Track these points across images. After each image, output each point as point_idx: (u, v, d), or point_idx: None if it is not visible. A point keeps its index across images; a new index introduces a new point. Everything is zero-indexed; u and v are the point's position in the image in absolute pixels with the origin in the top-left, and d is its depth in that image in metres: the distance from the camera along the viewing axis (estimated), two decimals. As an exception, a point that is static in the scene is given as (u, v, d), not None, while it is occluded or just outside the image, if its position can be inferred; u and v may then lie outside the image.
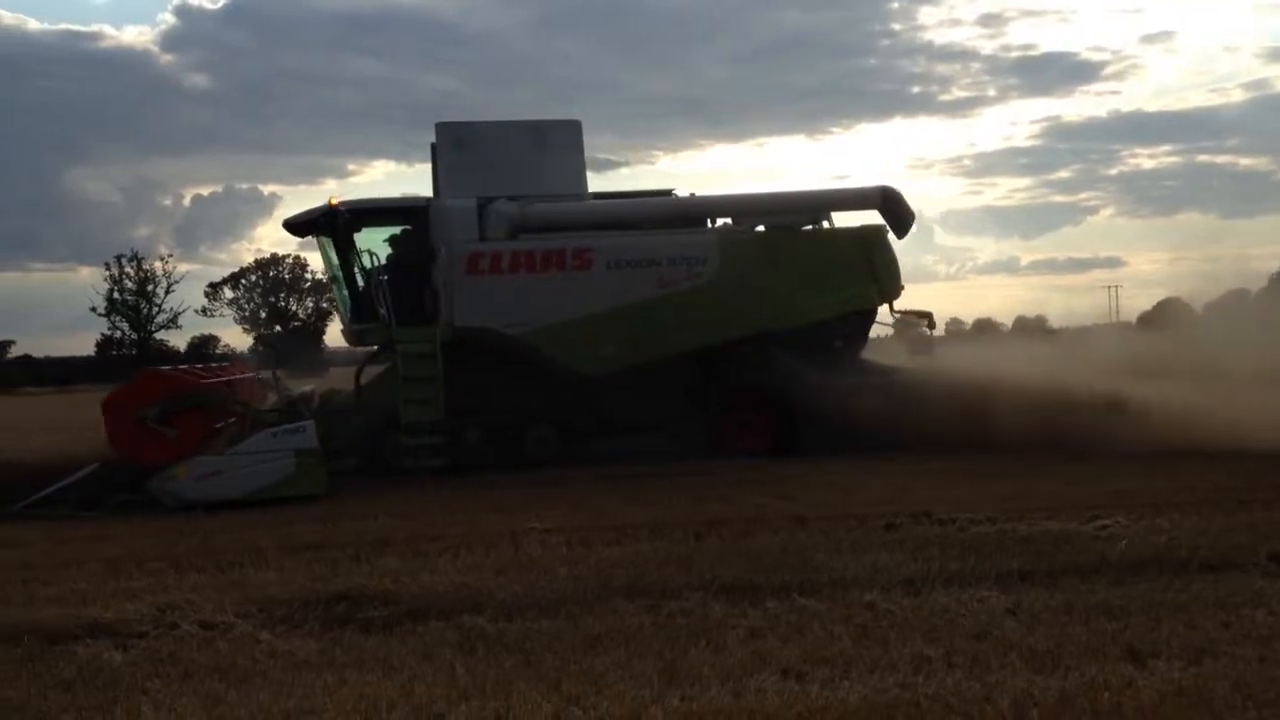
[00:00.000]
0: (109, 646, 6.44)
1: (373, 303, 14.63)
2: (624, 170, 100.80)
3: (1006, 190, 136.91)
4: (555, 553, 8.61)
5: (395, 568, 8.16)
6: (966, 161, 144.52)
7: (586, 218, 15.49)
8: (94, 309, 70.87)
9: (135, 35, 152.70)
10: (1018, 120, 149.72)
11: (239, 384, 15.06)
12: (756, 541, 8.77)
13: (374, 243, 15.11)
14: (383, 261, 15.06)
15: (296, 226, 15.32)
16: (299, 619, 6.94)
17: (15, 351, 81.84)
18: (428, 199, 15.11)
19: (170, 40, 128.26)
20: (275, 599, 7.30)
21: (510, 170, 15.15)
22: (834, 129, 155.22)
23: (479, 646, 6.21)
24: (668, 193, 16.89)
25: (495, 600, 7.06)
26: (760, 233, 16.03)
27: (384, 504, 11.39)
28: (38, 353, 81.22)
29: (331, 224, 14.61)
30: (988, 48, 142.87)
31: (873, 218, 15.89)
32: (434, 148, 15.29)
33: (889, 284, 15.88)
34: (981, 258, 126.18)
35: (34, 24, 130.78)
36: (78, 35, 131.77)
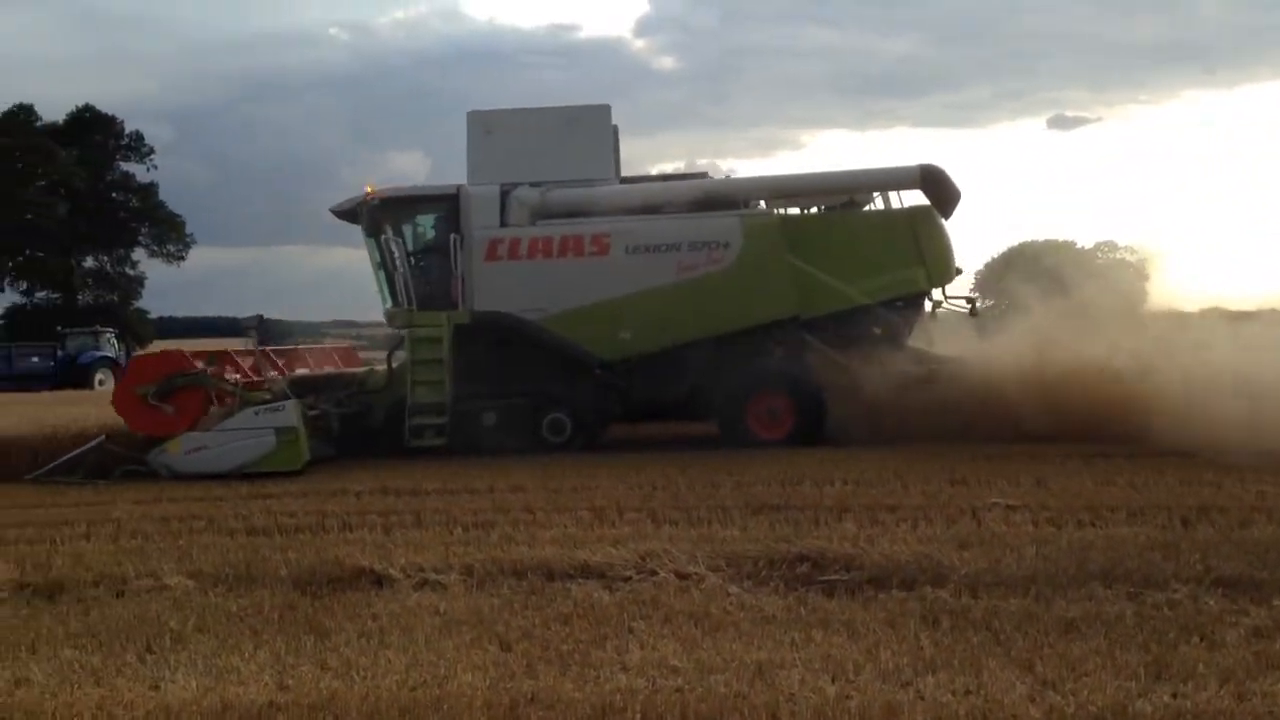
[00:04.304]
0: (598, 587, 7.07)
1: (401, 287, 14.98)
2: (1092, 126, 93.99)
3: None
4: (1021, 530, 8.24)
5: (854, 533, 8.18)
6: None
7: (609, 203, 15.03)
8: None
9: (610, 23, 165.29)
10: None
11: (305, 359, 16.76)
12: (1259, 532, 7.83)
13: (419, 229, 15.46)
14: (413, 247, 15.35)
15: (339, 214, 15.67)
16: (764, 576, 7.21)
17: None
18: (458, 186, 15.12)
19: (642, 26, 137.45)
20: (742, 555, 7.61)
21: (536, 157, 15.01)
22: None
23: (943, 619, 6.11)
24: (702, 175, 16.11)
25: (958, 574, 6.89)
26: (787, 216, 15.21)
27: (840, 470, 11.48)
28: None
29: (365, 211, 14.99)
30: None
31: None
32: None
33: (939, 268, 14.87)
34: None
35: (525, 21, 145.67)
36: (560, 28, 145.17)
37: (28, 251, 63.71)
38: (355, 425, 15.14)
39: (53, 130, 65.01)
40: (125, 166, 68.17)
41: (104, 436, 14.16)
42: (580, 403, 14.95)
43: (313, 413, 14.39)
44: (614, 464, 12.73)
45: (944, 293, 15.37)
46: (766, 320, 14.76)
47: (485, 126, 15.34)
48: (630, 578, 7.21)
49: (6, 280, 64.34)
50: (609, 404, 15.04)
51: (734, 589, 6.93)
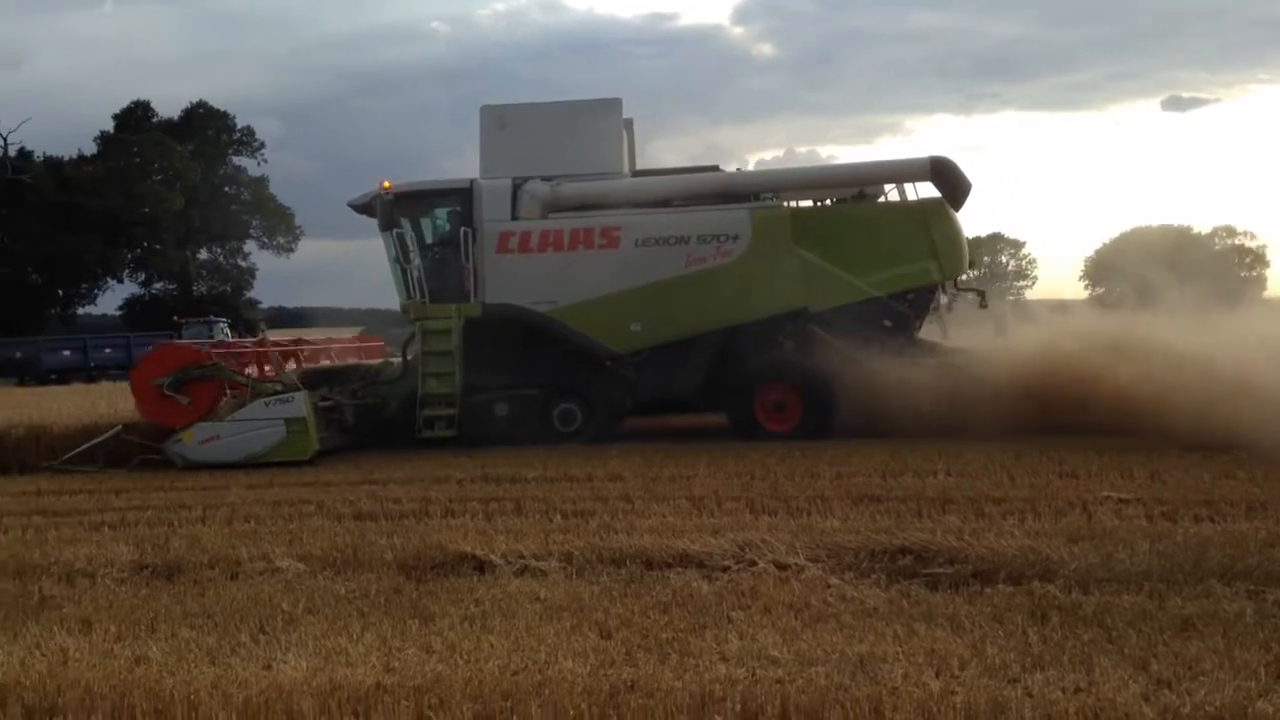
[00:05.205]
0: (696, 576, 7.08)
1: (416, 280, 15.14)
2: (1209, 107, 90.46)
3: None
4: (1134, 525, 7.99)
5: (958, 526, 8.03)
6: None
7: (619, 196, 15.04)
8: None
9: (708, 11, 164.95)
10: None
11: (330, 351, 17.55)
12: (1389, 530, 7.48)
13: (433, 222, 15.63)
14: (428, 241, 15.53)
15: (356, 208, 15.75)
16: (865, 568, 7.13)
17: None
18: (471, 180, 15.12)
19: (740, 13, 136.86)
20: (842, 546, 7.52)
21: (548, 150, 15.05)
22: None
23: (1052, 615, 5.96)
24: (714, 169, 16.17)
25: (1068, 569, 6.72)
26: (796, 208, 15.06)
27: (943, 462, 11.29)
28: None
29: (380, 206, 15.04)
30: None
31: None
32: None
33: (950, 259, 14.81)
34: None
35: (624, 11, 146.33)
36: (659, 16, 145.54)
37: (145, 244, 66.20)
38: (371, 416, 15.47)
39: (168, 126, 67.45)
40: (237, 161, 70.47)
41: (121, 426, 14.70)
42: (590, 394, 15.12)
43: (325, 404, 14.69)
44: (712, 453, 12.70)
45: (955, 285, 15.37)
46: (775, 312, 14.76)
47: (498, 120, 15.50)
48: (729, 567, 7.20)
49: (125, 271, 66.96)
50: (619, 395, 15.15)
51: (834, 580, 6.86)
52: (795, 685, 5.00)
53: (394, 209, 15.12)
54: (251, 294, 70.42)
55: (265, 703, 5.10)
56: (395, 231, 15.19)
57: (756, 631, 5.87)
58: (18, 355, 45.26)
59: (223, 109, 70.23)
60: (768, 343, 14.84)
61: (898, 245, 14.77)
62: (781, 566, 7.16)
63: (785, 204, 15.33)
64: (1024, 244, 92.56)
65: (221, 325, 47.38)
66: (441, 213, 15.62)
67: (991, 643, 5.52)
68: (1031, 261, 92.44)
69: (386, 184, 15.22)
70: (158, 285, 68.19)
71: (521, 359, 15.08)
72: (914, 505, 9.02)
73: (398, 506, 10.10)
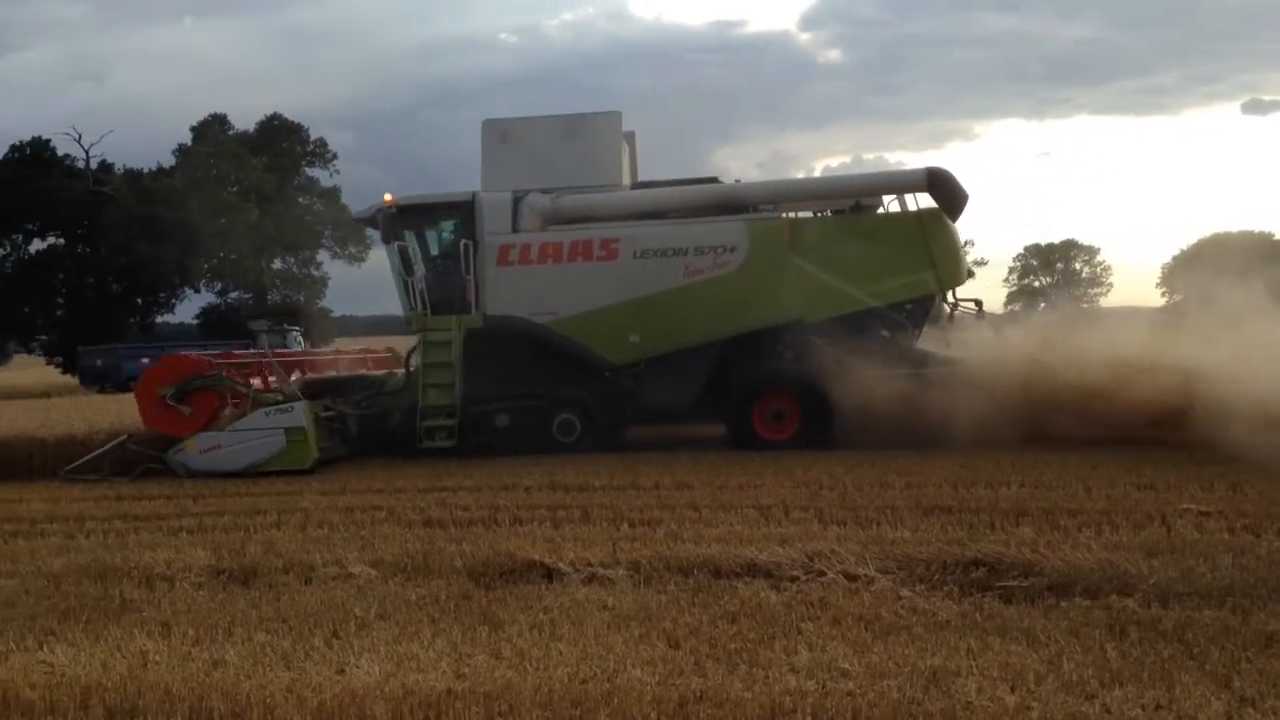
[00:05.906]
0: (765, 586, 7.05)
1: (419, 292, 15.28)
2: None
3: None
4: (1215, 538, 7.81)
5: (1032, 538, 7.90)
6: None
7: (619, 208, 15.10)
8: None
9: (775, 17, 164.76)
10: None
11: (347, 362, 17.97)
12: None
13: (436, 235, 15.80)
14: (431, 253, 15.67)
15: (361, 221, 15.98)
16: (937, 580, 7.04)
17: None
18: (473, 193, 15.19)
19: (808, 19, 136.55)
20: (913, 558, 7.45)
21: (548, 163, 15.13)
22: None
23: (1131, 630, 5.84)
24: (713, 180, 16.15)
25: (1147, 583, 6.58)
26: (793, 219, 14.96)
27: (1016, 472, 11.12)
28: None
29: (384, 219, 15.24)
30: None
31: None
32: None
33: (948, 270, 14.90)
34: None
35: (691, 19, 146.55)
36: (726, 24, 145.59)
37: (221, 254, 67.61)
38: (374, 426, 15.69)
39: (243, 138, 68.89)
40: (310, 172, 71.69)
41: (125, 436, 15.04)
42: (590, 404, 15.19)
43: (327, 414, 14.87)
44: (780, 462, 12.63)
45: (954, 295, 15.32)
46: (773, 323, 14.76)
47: (500, 134, 15.68)
48: (798, 578, 7.15)
49: (202, 281, 68.45)
50: (619, 406, 15.24)
51: (905, 592, 6.78)
52: (867, 698, 4.95)
53: (396, 222, 15.44)
54: (323, 303, 71.56)
55: (339, 707, 5.17)
56: (398, 244, 15.47)
57: (826, 643, 5.82)
58: (99, 363, 46.41)
59: (297, 121, 71.63)
60: (766, 353, 14.92)
61: (895, 256, 14.81)
62: (851, 577, 7.10)
63: (783, 215, 15.39)
64: (1099, 250, 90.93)
65: (295, 334, 48.21)
66: (444, 225, 15.87)
67: (1068, 658, 5.42)
68: (1106, 268, 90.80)
69: (389, 197, 15.51)
70: (233, 294, 69.55)
71: (522, 370, 15.32)
72: (986, 517, 8.90)
73: (467, 514, 10.20)
